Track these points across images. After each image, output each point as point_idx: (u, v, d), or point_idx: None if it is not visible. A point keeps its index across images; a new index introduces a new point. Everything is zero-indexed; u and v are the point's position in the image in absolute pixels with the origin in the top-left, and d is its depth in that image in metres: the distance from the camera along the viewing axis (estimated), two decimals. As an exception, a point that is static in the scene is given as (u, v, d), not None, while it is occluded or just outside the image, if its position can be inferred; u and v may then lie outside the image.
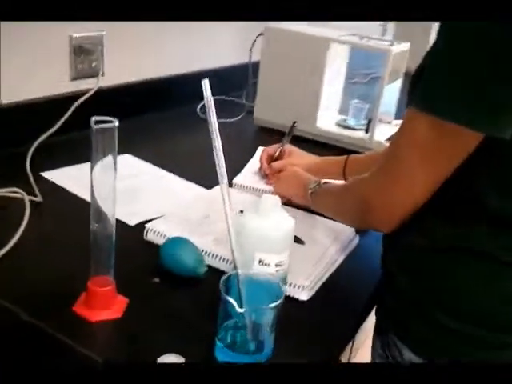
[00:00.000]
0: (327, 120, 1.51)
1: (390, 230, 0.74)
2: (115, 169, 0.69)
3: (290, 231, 0.73)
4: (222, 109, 1.77)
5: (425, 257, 0.72)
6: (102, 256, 0.70)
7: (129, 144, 1.31)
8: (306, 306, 0.79)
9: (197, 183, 1.13)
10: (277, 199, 0.74)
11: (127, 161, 1.22)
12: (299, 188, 1.00)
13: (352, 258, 0.93)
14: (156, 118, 1.52)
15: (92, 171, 0.67)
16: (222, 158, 0.70)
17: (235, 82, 1.76)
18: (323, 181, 0.96)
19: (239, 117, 1.59)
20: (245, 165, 1.24)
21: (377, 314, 0.83)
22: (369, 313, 0.86)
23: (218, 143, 0.70)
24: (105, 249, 0.70)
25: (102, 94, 1.37)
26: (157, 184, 1.12)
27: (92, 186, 0.68)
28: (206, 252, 0.84)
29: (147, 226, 0.90)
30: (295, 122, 1.19)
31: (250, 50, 1.62)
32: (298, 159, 1.14)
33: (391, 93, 1.45)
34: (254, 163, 1.24)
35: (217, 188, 1.09)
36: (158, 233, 0.88)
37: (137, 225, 0.93)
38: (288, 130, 1.21)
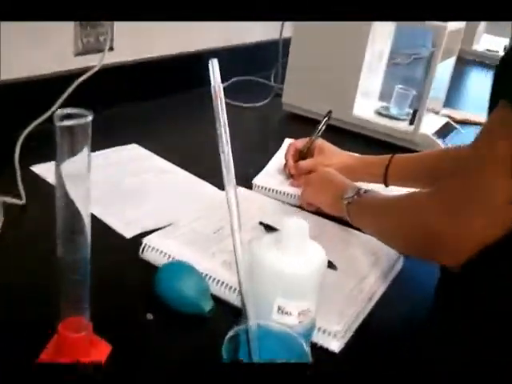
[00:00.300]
0: (366, 108, 1.32)
1: (460, 264, 0.57)
2: (89, 171, 0.53)
3: (319, 269, 0.56)
4: (246, 91, 1.58)
5: None
6: (75, 291, 0.54)
7: (137, 131, 1.15)
8: (337, 357, 0.62)
9: (211, 181, 0.96)
10: (304, 226, 0.57)
11: (133, 152, 1.06)
12: (332, 195, 0.82)
13: (395, 287, 0.75)
14: (172, 101, 1.35)
15: (57, 176, 0.51)
16: (231, 160, 0.53)
17: (263, 61, 1.58)
18: (363, 188, 0.78)
19: (266, 101, 1.41)
20: (268, 160, 1.06)
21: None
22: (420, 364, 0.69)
23: (225, 142, 0.52)
24: (77, 282, 0.54)
25: (110, 71, 1.21)
26: (164, 183, 0.96)
27: (57, 198, 0.52)
28: (212, 278, 0.68)
29: (144, 240, 0.74)
30: (330, 112, 1.00)
31: (282, 24, 1.43)
32: (331, 157, 0.96)
33: (440, 77, 1.25)
34: (278, 159, 1.06)
35: (239, 189, 0.92)
36: (157, 250, 0.72)
37: (134, 237, 0.78)
38: (321, 121, 1.02)
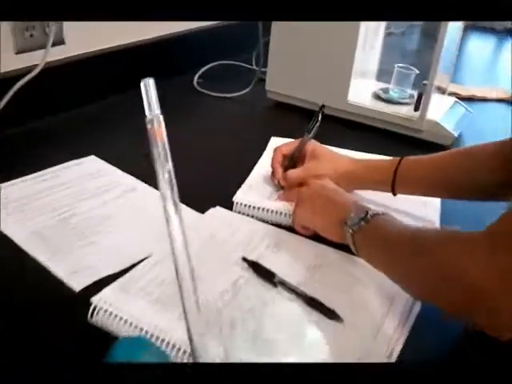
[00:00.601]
0: (362, 92, 1.15)
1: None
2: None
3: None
4: (225, 77, 1.40)
5: None
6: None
7: (96, 140, 0.98)
8: None
9: (186, 201, 0.79)
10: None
11: (90, 167, 0.88)
12: (331, 219, 0.66)
13: (415, 337, 0.59)
14: (134, 97, 1.16)
15: None
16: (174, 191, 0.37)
17: (241, 42, 1.39)
18: (371, 208, 0.62)
19: (247, 89, 1.23)
20: (251, 167, 0.90)
21: None
22: None
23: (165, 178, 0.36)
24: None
25: (62, 69, 1.03)
26: (130, 206, 0.79)
27: None
28: (182, 351, 0.52)
29: (94, 300, 0.57)
30: (323, 107, 0.83)
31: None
32: (326, 163, 0.80)
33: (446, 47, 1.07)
34: (263, 166, 0.89)
35: (216, 211, 0.76)
36: (111, 314, 0.56)
37: (86, 289, 0.61)
38: (313, 119, 0.85)
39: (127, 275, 0.62)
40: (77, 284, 0.62)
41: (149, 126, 0.34)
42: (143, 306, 0.57)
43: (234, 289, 0.61)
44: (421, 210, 0.80)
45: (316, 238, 0.71)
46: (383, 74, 1.24)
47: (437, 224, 0.77)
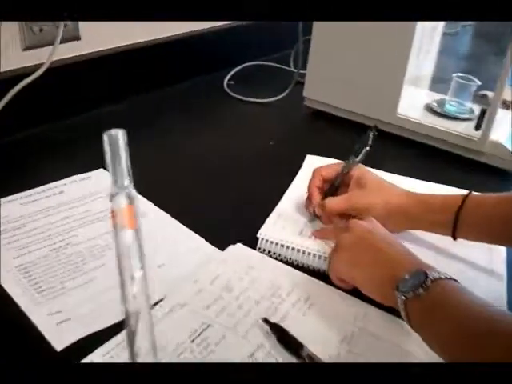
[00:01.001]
0: (414, 103, 1.00)
1: None
2: None
3: None
4: (258, 80, 1.26)
5: None
6: None
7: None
8: None
9: (205, 233, 0.67)
10: None
11: (97, 183, 0.77)
12: (377, 276, 0.53)
13: None
14: (155, 100, 1.05)
15: None
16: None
17: (279, 41, 1.26)
18: (431, 269, 0.49)
19: (283, 94, 1.09)
20: (282, 191, 0.77)
21: None
22: None
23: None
24: None
25: (76, 67, 0.92)
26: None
27: None
28: None
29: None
30: (375, 127, 0.69)
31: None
32: (374, 194, 0.66)
33: None
34: (295, 189, 0.76)
35: (237, 249, 0.64)
36: None
37: (68, 349, 0.50)
38: (361, 139, 0.71)
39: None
40: (58, 341, 0.51)
41: (112, 206, 0.21)
42: None
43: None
44: (484, 258, 0.66)
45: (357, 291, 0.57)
46: (437, 83, 1.09)
47: (504, 278, 0.63)
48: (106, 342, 0.50)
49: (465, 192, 0.63)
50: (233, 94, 1.11)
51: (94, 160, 0.80)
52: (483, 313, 0.44)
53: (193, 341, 0.50)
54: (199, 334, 0.51)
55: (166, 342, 0.49)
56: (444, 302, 0.45)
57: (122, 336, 0.50)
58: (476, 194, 0.63)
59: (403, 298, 0.48)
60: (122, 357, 0.48)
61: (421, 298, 0.47)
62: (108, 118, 0.95)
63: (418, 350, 0.51)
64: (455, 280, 0.47)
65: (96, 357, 0.48)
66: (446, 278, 0.47)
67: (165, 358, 0.48)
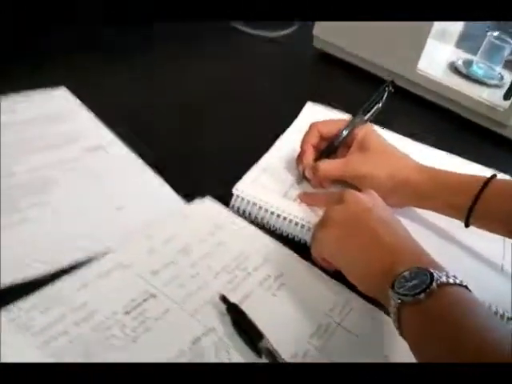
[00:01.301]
0: (437, 60, 0.88)
1: None
2: None
3: None
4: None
5: None
6: None
7: (77, 65, 0.74)
8: None
9: (173, 179, 0.56)
10: None
11: (55, 103, 0.65)
12: (369, 264, 0.42)
13: None
14: (158, 28, 0.91)
15: None
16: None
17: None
18: (437, 268, 0.38)
19: (288, 30, 0.96)
20: (273, 140, 0.65)
21: None
22: None
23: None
24: None
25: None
26: (82, 171, 0.56)
27: None
28: None
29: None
30: (392, 83, 0.57)
31: None
32: (380, 161, 0.55)
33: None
34: (288, 141, 0.65)
35: (203, 204, 0.53)
36: None
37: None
38: (374, 95, 0.59)
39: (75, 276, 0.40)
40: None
41: None
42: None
43: (193, 352, 0.39)
44: (495, 252, 0.56)
45: (338, 277, 0.47)
46: (465, 40, 0.96)
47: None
48: None
49: (486, 173, 0.52)
50: (237, 26, 0.97)
51: (57, 75, 0.69)
52: (490, 335, 0.33)
53: (127, 313, 0.40)
54: (137, 305, 0.41)
55: (93, 311, 0.40)
56: (449, 317, 0.35)
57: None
58: (500, 178, 0.52)
59: (398, 300, 0.37)
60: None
61: (421, 305, 0.36)
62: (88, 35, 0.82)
63: (404, 358, 0.41)
64: (465, 286, 0.37)
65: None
66: (456, 283, 0.37)
67: (86, 332, 0.38)
